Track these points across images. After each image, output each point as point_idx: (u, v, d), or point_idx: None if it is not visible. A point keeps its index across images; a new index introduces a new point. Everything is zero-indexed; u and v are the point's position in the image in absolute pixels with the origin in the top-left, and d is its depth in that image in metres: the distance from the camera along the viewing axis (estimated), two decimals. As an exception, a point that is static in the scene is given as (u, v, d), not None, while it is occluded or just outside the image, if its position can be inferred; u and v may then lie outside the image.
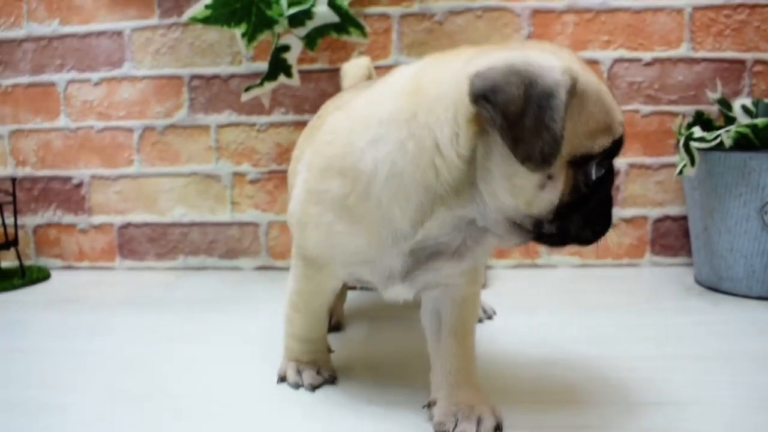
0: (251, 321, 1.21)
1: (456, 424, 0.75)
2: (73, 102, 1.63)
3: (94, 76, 1.61)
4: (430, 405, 0.80)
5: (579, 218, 0.69)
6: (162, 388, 0.92)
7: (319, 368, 0.92)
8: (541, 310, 1.24)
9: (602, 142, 0.67)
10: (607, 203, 0.72)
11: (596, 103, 0.66)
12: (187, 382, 0.94)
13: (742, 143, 1.23)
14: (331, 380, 0.92)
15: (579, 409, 0.82)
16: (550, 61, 0.64)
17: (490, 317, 1.19)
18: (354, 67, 1.22)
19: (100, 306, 1.36)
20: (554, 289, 1.39)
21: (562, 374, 0.93)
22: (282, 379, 0.92)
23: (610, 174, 0.71)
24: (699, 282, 1.38)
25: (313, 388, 0.90)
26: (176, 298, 1.40)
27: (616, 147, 0.69)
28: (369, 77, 1.18)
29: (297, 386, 0.90)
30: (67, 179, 1.67)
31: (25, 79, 1.64)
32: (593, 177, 0.68)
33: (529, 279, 1.46)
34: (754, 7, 1.46)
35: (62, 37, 1.61)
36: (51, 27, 1.60)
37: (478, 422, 0.75)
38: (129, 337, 1.16)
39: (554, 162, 0.63)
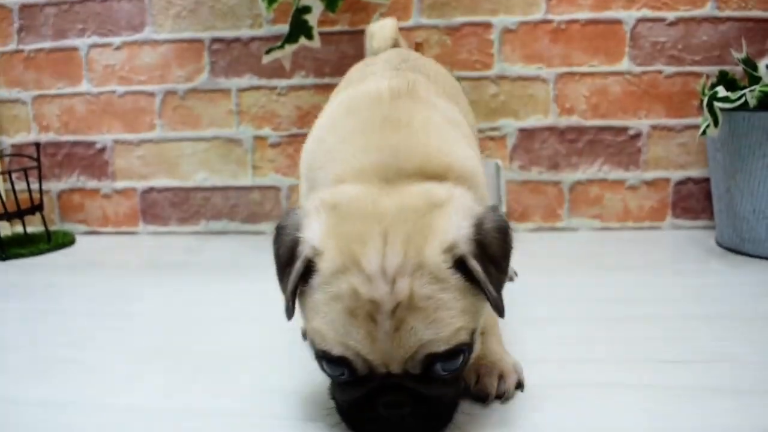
0: (273, 284, 1.22)
1: (478, 380, 0.77)
2: (95, 67, 1.64)
3: (116, 40, 1.62)
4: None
5: (346, 401, 0.66)
6: (184, 347, 0.95)
7: None
8: (562, 271, 1.25)
9: (316, 344, 0.63)
10: (370, 421, 0.64)
11: (325, 304, 0.62)
12: (209, 341, 0.97)
13: (766, 103, 1.21)
14: None
15: (600, 366, 0.83)
16: (313, 236, 0.64)
17: (511, 279, 1.19)
18: (380, 29, 1.19)
19: (124, 270, 1.39)
20: (575, 251, 1.40)
21: (584, 333, 0.94)
22: (305, 335, 0.94)
23: (358, 391, 0.63)
24: (720, 244, 1.38)
25: None
26: (198, 262, 1.43)
27: (332, 362, 0.63)
28: (395, 39, 1.17)
29: None
30: (90, 144, 1.69)
31: (47, 44, 1.65)
32: (328, 371, 0.65)
33: (550, 242, 1.47)
34: (782, -36, 1.43)
35: (83, 1, 1.61)
36: (72, -9, 1.61)
37: (500, 378, 0.77)
38: (153, 298, 1.19)
39: (291, 317, 0.65)
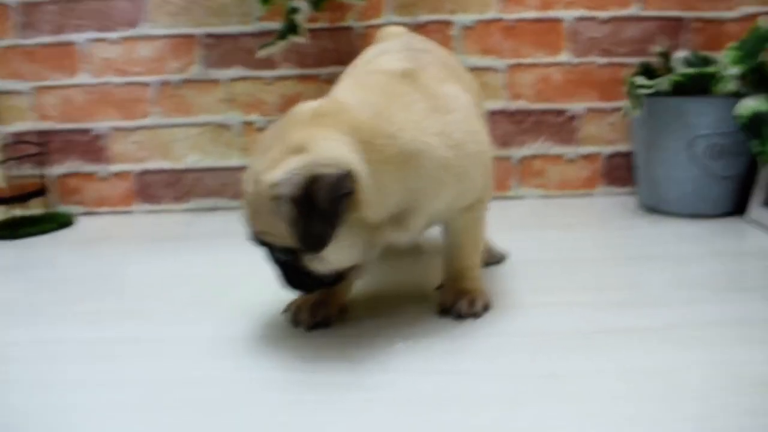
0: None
1: (454, 303, 0.99)
2: (92, 59, 1.79)
3: (113, 35, 1.77)
4: (439, 287, 1.05)
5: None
6: (182, 305, 1.14)
7: (317, 311, 0.98)
8: (514, 230, 1.49)
9: None
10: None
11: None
12: (204, 299, 1.15)
13: (677, 89, 1.48)
14: (325, 323, 0.97)
15: (548, 291, 1.09)
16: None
17: (498, 262, 1.27)
18: (392, 31, 1.27)
19: (127, 241, 1.56)
20: (524, 214, 1.66)
21: (535, 270, 1.19)
22: (285, 311, 1.03)
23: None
24: (641, 206, 1.66)
25: (309, 327, 0.97)
26: (195, 233, 1.61)
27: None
28: None
29: (296, 324, 0.99)
30: (87, 131, 1.83)
31: (46, 39, 1.78)
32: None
33: (502, 208, 1.71)
34: (690, -28, 1.72)
35: (82, -1, 1.76)
36: (70, -10, 1.76)
37: (472, 302, 0.99)
38: (158, 262, 1.37)
39: None
